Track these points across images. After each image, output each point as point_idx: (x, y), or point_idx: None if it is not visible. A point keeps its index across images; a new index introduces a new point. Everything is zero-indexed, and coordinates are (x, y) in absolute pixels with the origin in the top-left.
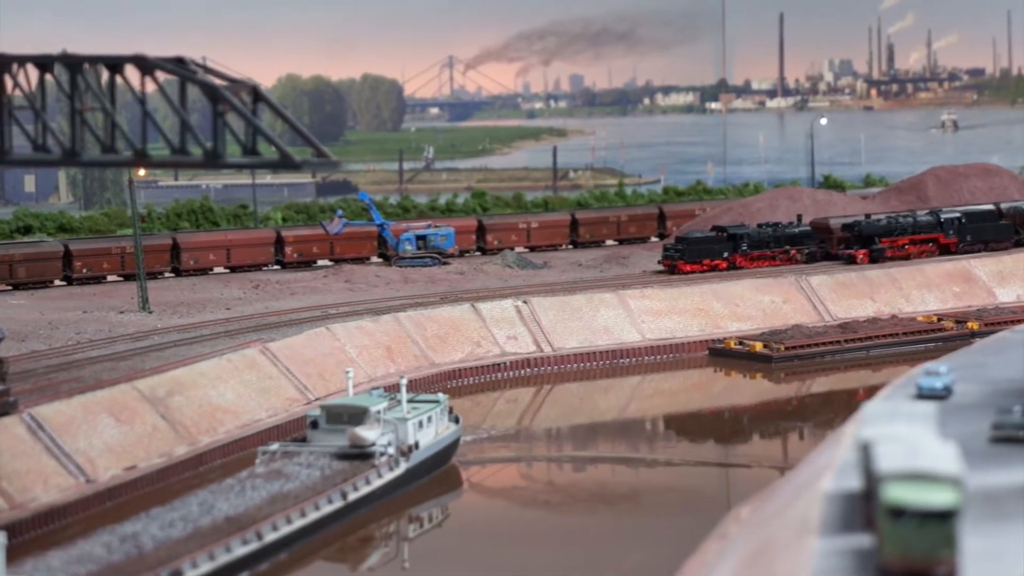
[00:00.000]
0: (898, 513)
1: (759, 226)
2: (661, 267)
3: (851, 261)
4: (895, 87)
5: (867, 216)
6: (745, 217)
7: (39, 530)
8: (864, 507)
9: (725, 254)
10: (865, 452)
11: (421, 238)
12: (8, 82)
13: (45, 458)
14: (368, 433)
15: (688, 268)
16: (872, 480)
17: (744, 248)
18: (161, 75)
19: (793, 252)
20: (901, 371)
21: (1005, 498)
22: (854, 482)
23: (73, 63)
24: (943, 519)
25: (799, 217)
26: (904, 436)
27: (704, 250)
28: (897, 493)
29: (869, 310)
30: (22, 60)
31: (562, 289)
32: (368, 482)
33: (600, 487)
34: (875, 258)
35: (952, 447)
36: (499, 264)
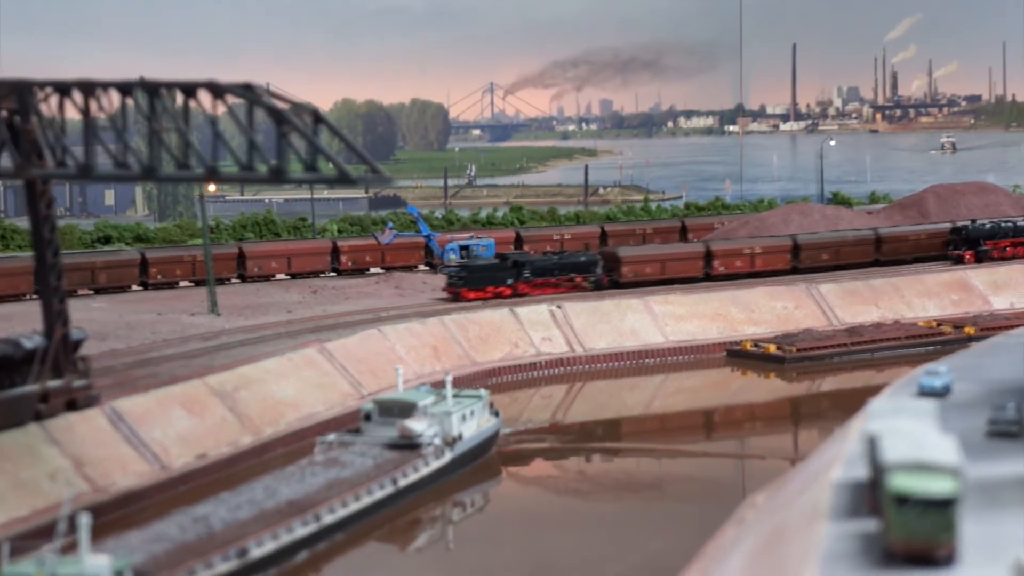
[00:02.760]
0: (902, 500)
1: (543, 254)
2: (445, 294)
3: (959, 261)
4: (898, 112)
5: (973, 221)
6: (761, 230)
7: (119, 512)
8: (870, 495)
9: (509, 281)
10: (871, 444)
11: (464, 248)
12: (93, 105)
13: (124, 447)
14: (416, 425)
15: (472, 295)
16: (878, 470)
17: (527, 275)
18: (230, 99)
19: (578, 279)
20: (903, 372)
21: (1000, 488)
22: (861, 472)
23: (152, 88)
24: (944, 506)
25: (586, 246)
26: (907, 430)
27: (488, 277)
28: (901, 482)
29: (874, 315)
30: (106, 85)
31: (592, 295)
32: (416, 470)
33: (626, 476)
34: (980, 258)
35: (952, 440)
36: None
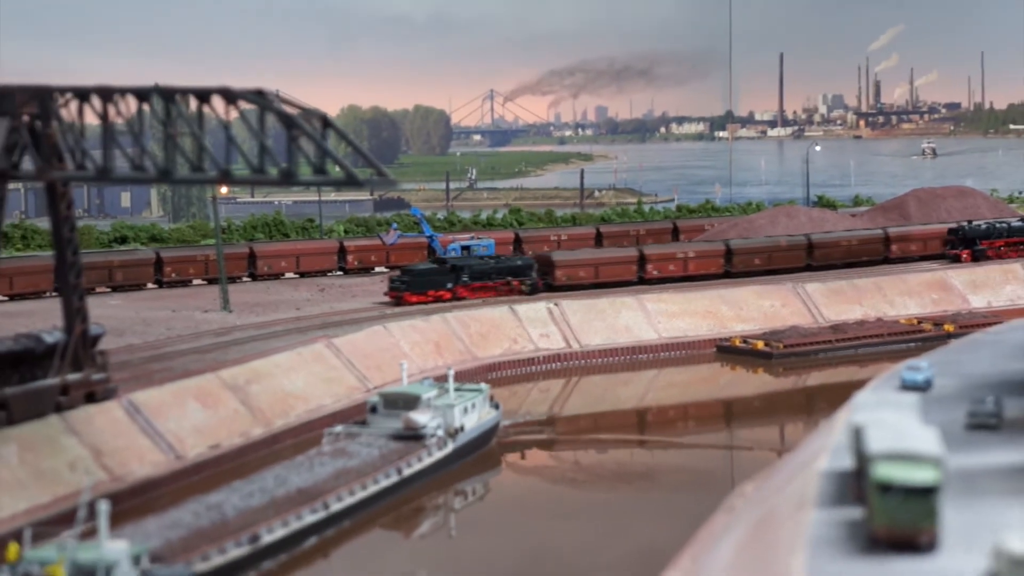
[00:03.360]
0: (886, 488)
1: (480, 258)
2: (387, 299)
3: (956, 260)
4: (881, 119)
5: (969, 222)
6: (750, 231)
7: (136, 500)
8: (855, 484)
9: (449, 285)
10: (856, 435)
11: (465, 248)
12: (111, 110)
13: (141, 437)
14: (420, 417)
15: (414, 299)
16: (863, 460)
17: (465, 279)
18: (243, 104)
19: (515, 283)
20: (886, 367)
21: (979, 477)
22: (846, 462)
23: (167, 94)
24: (926, 494)
25: (522, 251)
26: (891, 422)
27: (429, 282)
28: (885, 471)
29: (858, 313)
30: (123, 91)
31: (588, 293)
32: (420, 460)
33: (620, 467)
34: (976, 257)
35: (933, 432)
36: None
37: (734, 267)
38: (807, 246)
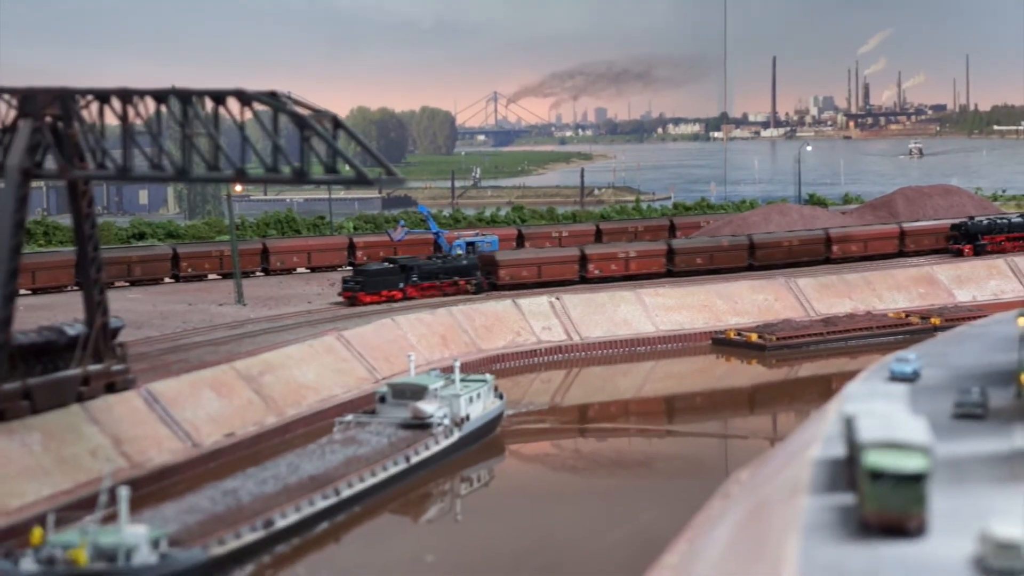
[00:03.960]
0: (877, 476)
1: (428, 258)
2: (341, 299)
3: (959, 254)
4: (870, 120)
5: (971, 218)
6: (744, 228)
7: (154, 486)
8: (847, 471)
9: (400, 285)
10: (848, 425)
11: (470, 244)
12: (130, 112)
13: (159, 426)
14: (427, 407)
15: (368, 299)
16: (854, 448)
17: (415, 279)
18: (257, 106)
19: (461, 283)
20: (875, 359)
21: (966, 464)
22: (838, 450)
23: (184, 96)
24: (915, 481)
25: (470, 250)
26: (881, 412)
27: (381, 282)
28: (876, 459)
29: (848, 307)
30: (142, 93)
31: (588, 288)
32: (427, 448)
33: (619, 454)
34: (978, 251)
35: (922, 421)
36: None
37: (676, 266)
38: (749, 246)
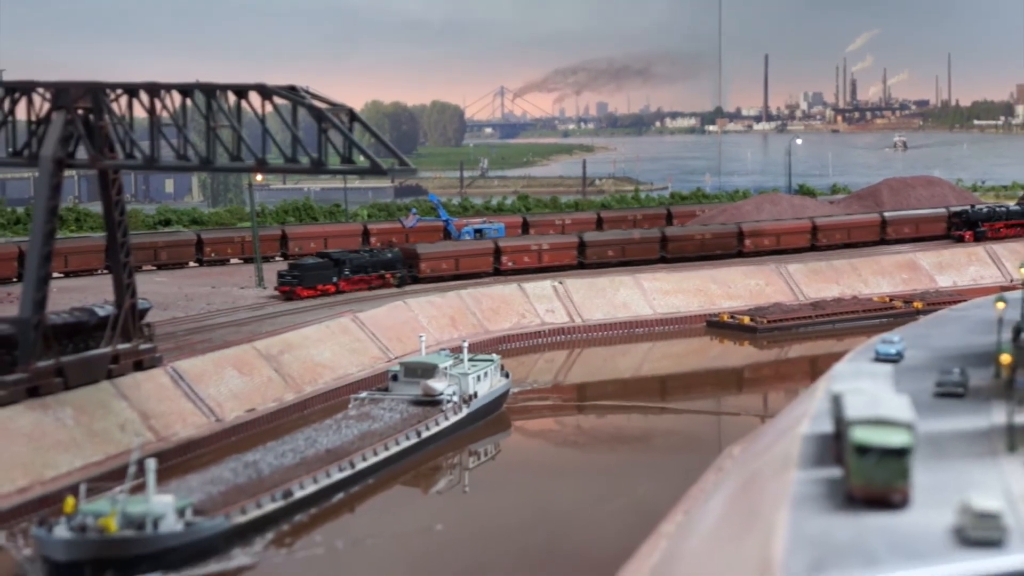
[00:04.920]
0: (863, 451)
1: (356, 251)
2: (277, 293)
3: (960, 240)
4: (857, 114)
5: (972, 206)
6: (737, 216)
7: (180, 458)
8: (834, 446)
9: (334, 279)
10: (835, 402)
11: (478, 231)
12: (157, 105)
13: (184, 402)
14: (437, 385)
15: (305, 294)
16: (841, 424)
17: (347, 273)
18: (277, 100)
19: (387, 276)
20: (861, 340)
21: (946, 441)
22: (826, 426)
23: (208, 90)
24: (899, 456)
25: (391, 243)
26: (867, 390)
27: (317, 276)
28: (862, 435)
29: (835, 292)
30: (169, 87)
31: (590, 272)
32: (437, 423)
33: (618, 430)
34: (978, 237)
35: (905, 399)
36: None
37: (587, 259)
38: (660, 239)
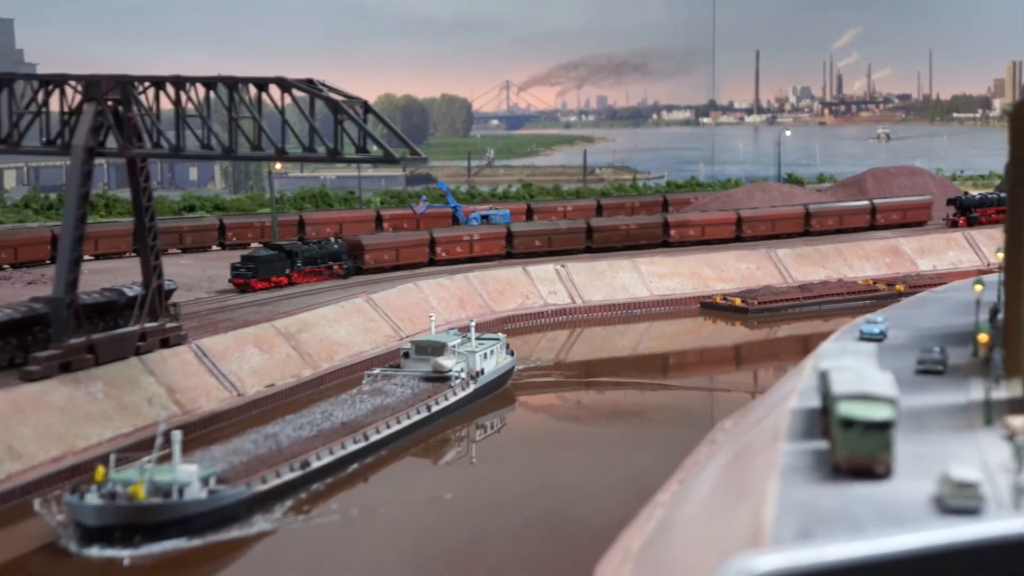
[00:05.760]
0: (848, 424)
1: (306, 243)
2: (232, 286)
3: (955, 225)
4: (843, 108)
5: (966, 193)
6: (729, 204)
7: (204, 430)
8: (821, 420)
9: (287, 271)
10: (822, 379)
11: (485, 217)
12: (183, 97)
13: (208, 377)
14: (446, 362)
15: (260, 286)
16: (828, 400)
17: (299, 264)
18: (295, 92)
19: (335, 267)
20: (847, 320)
21: (927, 415)
22: (814, 401)
23: (231, 83)
24: (882, 429)
25: (336, 236)
26: (852, 367)
27: (271, 268)
28: (847, 409)
29: (822, 275)
30: (193, 80)
31: (591, 256)
32: (446, 398)
33: (616, 405)
34: (971, 222)
35: (888, 376)
36: None
37: (515, 248)
38: (586, 230)
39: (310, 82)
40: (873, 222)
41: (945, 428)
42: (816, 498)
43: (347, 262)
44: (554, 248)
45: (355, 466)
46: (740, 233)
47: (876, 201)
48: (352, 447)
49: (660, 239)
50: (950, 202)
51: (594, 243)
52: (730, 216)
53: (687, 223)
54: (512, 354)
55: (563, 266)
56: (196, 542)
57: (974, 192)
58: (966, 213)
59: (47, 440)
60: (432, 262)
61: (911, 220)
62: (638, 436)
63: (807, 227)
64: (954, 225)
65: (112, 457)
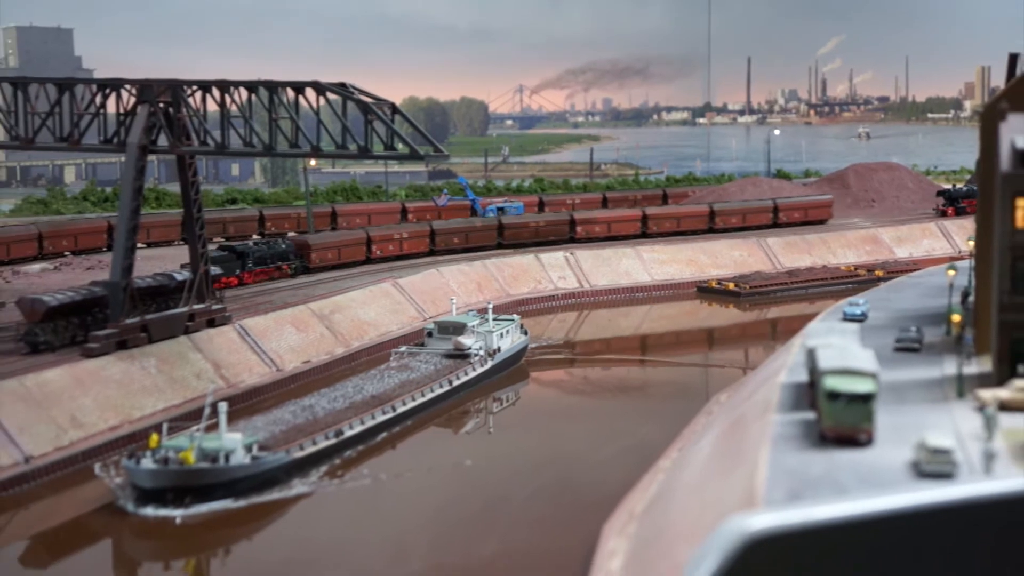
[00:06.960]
0: (833, 396)
1: (256, 244)
2: None
3: (944, 215)
4: (827, 109)
5: (954, 186)
6: (723, 196)
7: (246, 402)
8: (809, 393)
9: (238, 271)
10: (809, 356)
11: (500, 209)
12: (227, 99)
13: (250, 354)
14: (466, 340)
15: (214, 287)
16: (815, 374)
17: (250, 265)
18: (329, 95)
19: (284, 267)
20: (831, 303)
21: (904, 388)
22: (802, 376)
23: (271, 86)
24: (864, 400)
25: (283, 236)
26: (836, 345)
27: (223, 269)
28: (833, 383)
29: (808, 262)
30: (237, 84)
31: (597, 245)
32: (466, 374)
33: (620, 381)
34: (959, 212)
35: (870, 353)
36: None
37: (437, 245)
38: (497, 227)
39: (343, 85)
40: (776, 220)
41: (921, 400)
42: (804, 464)
43: (295, 262)
44: (470, 245)
45: (384, 435)
46: (646, 230)
47: (778, 200)
48: (381, 418)
49: (567, 236)
50: (939, 194)
51: (504, 239)
52: (636, 214)
53: (593, 221)
54: (526, 334)
55: (572, 253)
56: (241, 503)
57: (961, 185)
58: (954, 204)
59: (106, 410)
60: (368, 260)
61: (812, 218)
62: (641, 408)
63: (711, 225)
64: (944, 215)
65: (164, 426)
